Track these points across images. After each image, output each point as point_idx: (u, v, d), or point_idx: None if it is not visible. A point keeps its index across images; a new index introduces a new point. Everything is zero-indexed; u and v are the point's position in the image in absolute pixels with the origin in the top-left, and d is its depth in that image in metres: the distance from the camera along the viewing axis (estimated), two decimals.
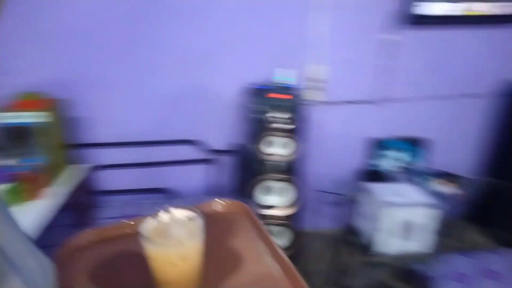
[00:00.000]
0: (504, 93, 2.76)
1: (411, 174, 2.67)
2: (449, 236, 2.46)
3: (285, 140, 2.21)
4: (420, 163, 2.78)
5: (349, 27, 2.45)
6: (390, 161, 2.77)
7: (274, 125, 2.18)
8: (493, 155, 2.92)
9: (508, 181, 2.72)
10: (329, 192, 2.66)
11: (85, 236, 0.70)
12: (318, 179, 2.69)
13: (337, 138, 2.71)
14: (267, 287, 0.60)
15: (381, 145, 2.76)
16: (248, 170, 2.29)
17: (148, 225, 0.56)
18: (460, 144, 2.90)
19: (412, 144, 2.77)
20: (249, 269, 0.64)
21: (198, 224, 0.56)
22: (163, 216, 0.58)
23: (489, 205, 2.84)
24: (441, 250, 2.17)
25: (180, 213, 0.58)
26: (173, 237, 0.54)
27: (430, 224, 2.10)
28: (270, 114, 2.17)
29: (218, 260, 0.64)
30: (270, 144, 2.21)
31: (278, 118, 2.18)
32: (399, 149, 2.76)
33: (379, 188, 2.22)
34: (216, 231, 0.67)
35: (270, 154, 2.21)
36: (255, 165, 2.23)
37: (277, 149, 2.22)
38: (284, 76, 2.32)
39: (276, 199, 2.25)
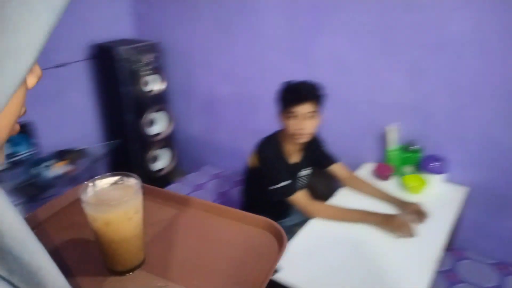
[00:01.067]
0: (93, 56, 2.74)
1: (26, 166, 2.31)
2: None
3: None
4: (30, 151, 2.43)
5: None
6: None
7: None
8: (104, 118, 2.96)
9: (121, 139, 2.87)
10: None
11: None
12: None
13: None
14: None
15: None
16: None
17: (89, 193, 0.60)
18: (69, 117, 2.75)
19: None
20: None
21: (132, 184, 0.62)
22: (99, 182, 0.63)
23: (123, 164, 2.93)
24: None
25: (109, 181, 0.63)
26: (115, 198, 0.59)
27: None
28: None
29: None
30: None
31: None
32: None
33: None
34: None
35: None
36: None
37: None
38: None
39: None
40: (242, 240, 0.74)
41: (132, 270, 0.63)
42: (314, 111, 1.62)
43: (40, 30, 0.27)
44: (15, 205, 0.30)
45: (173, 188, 2.94)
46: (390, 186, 1.93)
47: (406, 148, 2.02)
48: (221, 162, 3.11)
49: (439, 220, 1.66)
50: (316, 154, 1.87)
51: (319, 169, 2.05)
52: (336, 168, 1.91)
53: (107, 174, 0.63)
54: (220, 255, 0.70)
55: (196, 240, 0.74)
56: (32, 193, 2.14)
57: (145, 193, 0.63)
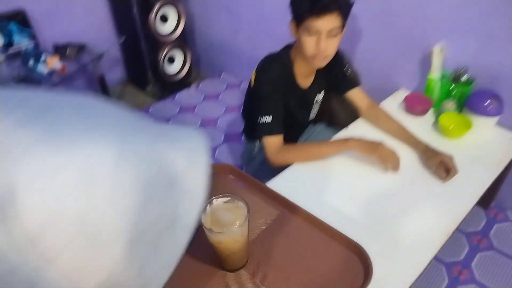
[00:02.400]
0: None
1: (22, 59, 2.13)
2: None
3: None
4: (28, 43, 2.23)
5: None
6: None
7: None
8: (111, 13, 2.64)
9: (130, 35, 2.57)
10: None
11: None
12: None
13: None
14: None
15: None
16: None
17: (205, 216, 0.73)
18: (71, 8, 2.46)
19: (8, 21, 2.13)
20: None
21: (241, 207, 0.75)
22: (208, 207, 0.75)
23: (141, 67, 2.69)
24: None
25: (223, 200, 0.76)
26: (226, 222, 0.73)
27: None
28: None
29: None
30: None
31: None
32: None
33: None
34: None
35: None
36: None
37: None
38: None
39: None
40: (331, 258, 0.84)
41: (237, 270, 0.82)
42: (338, 27, 1.19)
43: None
44: None
45: (184, 94, 2.70)
46: (422, 125, 1.51)
47: (453, 77, 1.53)
48: (241, 71, 2.76)
49: (478, 172, 1.28)
50: (334, 75, 1.46)
51: (335, 93, 1.65)
52: (355, 94, 1.50)
53: (220, 195, 0.76)
54: (309, 268, 0.82)
55: (290, 248, 0.86)
56: None
57: (253, 189, 0.90)
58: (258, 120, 1.32)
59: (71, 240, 0.28)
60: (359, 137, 1.27)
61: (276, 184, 1.21)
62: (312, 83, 1.44)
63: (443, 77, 1.57)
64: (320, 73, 1.41)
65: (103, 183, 0.30)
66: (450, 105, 1.48)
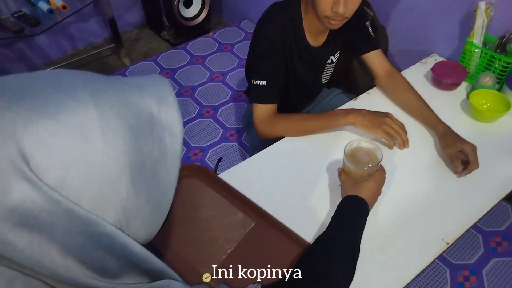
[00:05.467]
0: None
1: None
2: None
3: None
4: None
5: None
6: None
7: None
8: None
9: None
10: None
11: None
12: None
13: None
14: None
15: None
16: None
17: (348, 148, 0.90)
18: None
19: None
20: None
21: (377, 153, 0.88)
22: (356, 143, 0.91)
23: (156, 9, 2.49)
24: None
25: (365, 144, 0.91)
26: (361, 160, 0.88)
27: None
28: None
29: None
30: None
31: None
32: None
33: None
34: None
35: None
36: None
37: None
38: None
39: None
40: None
41: None
42: None
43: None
44: None
45: (199, 42, 2.49)
46: (450, 101, 1.24)
47: (497, 44, 1.22)
48: None
49: (510, 164, 1.05)
50: (352, 33, 1.21)
51: (352, 54, 1.39)
52: (373, 57, 1.24)
53: (366, 139, 0.92)
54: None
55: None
56: (17, 28, 1.87)
57: (224, 193, 0.89)
58: (252, 81, 1.13)
59: (86, 183, 0.34)
60: (360, 109, 1.06)
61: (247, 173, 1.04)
62: (325, 42, 1.20)
63: (485, 43, 1.26)
64: (335, 30, 1.16)
65: (94, 132, 0.35)
66: (488, 79, 1.19)
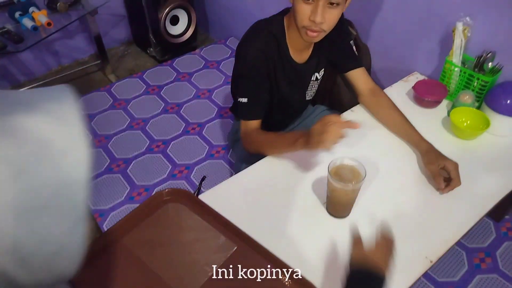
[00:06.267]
0: None
1: (10, 11, 1.99)
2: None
3: None
4: None
5: None
6: None
7: None
8: None
9: None
10: None
11: None
12: None
13: None
14: None
15: None
16: None
17: (332, 166, 0.90)
18: None
19: None
20: None
21: (361, 170, 0.89)
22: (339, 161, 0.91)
23: (143, 26, 2.50)
24: None
25: (348, 161, 0.91)
26: (345, 178, 0.88)
27: None
28: None
29: None
30: None
31: None
32: None
33: None
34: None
35: None
36: None
37: None
38: None
39: None
40: None
41: (337, 217, 0.97)
42: None
43: None
44: None
45: (185, 59, 2.50)
46: (432, 118, 1.26)
47: (476, 63, 1.25)
48: None
49: (491, 180, 1.07)
50: (335, 49, 1.22)
51: (336, 72, 1.41)
52: (357, 75, 1.26)
53: (348, 158, 0.91)
54: None
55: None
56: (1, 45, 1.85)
57: (210, 219, 0.87)
58: (236, 98, 1.14)
59: None
60: (306, 132, 0.94)
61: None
62: (309, 58, 1.21)
63: (464, 62, 1.29)
64: (319, 46, 1.17)
65: None
66: (467, 97, 1.21)
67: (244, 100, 1.11)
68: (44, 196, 0.33)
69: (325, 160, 1.01)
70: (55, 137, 0.34)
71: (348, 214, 0.97)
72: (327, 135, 0.84)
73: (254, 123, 1.14)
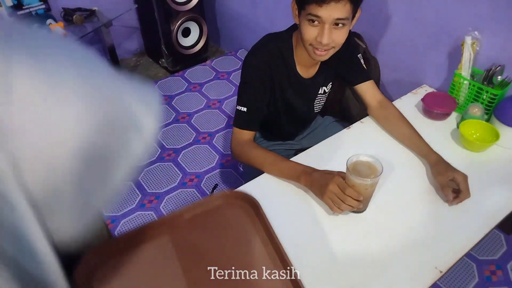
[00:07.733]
0: None
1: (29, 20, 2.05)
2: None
3: None
4: (39, 5, 2.14)
5: None
6: None
7: None
8: None
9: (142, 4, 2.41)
10: None
11: None
12: None
13: None
14: None
15: None
16: None
17: (350, 162, 0.94)
18: None
19: None
20: None
21: (377, 165, 0.93)
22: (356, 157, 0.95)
23: (155, 38, 2.56)
24: None
25: (365, 157, 0.95)
26: (363, 173, 0.92)
27: None
28: None
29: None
30: None
31: None
32: None
33: None
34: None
35: None
36: None
37: None
38: None
39: None
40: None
41: (359, 212, 1.00)
42: (345, 17, 0.98)
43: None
44: None
45: (196, 70, 2.54)
46: (441, 131, 1.27)
47: (485, 76, 1.26)
48: None
49: (500, 193, 1.07)
50: (343, 64, 1.25)
51: (344, 85, 1.43)
52: (365, 89, 1.28)
53: (365, 154, 0.95)
54: None
55: None
56: None
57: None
58: (236, 106, 1.17)
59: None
60: (312, 172, 1.01)
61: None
62: (315, 74, 1.23)
63: (473, 75, 1.31)
64: (327, 62, 1.19)
65: (73, 105, 0.32)
66: (477, 110, 1.23)
67: (244, 109, 1.14)
68: (106, 152, 0.36)
69: (339, 158, 1.03)
70: (140, 118, 0.39)
71: (365, 209, 1.00)
72: (328, 189, 0.95)
73: (248, 134, 1.16)
